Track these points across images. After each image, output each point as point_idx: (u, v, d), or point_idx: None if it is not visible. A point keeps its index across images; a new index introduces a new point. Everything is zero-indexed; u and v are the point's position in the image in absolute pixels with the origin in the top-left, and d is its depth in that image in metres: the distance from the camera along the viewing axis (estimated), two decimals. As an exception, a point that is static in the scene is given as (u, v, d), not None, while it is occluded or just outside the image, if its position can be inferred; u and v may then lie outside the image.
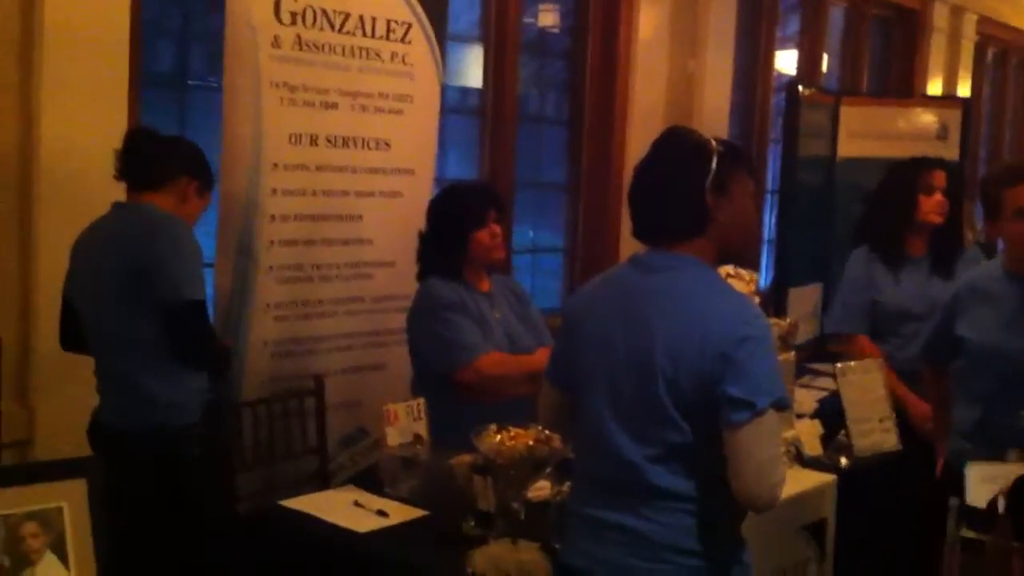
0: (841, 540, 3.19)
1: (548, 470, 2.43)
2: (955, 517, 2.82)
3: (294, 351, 3.62)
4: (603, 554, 2.13)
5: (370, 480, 3.05)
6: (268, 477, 3.43)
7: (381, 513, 2.74)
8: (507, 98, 4.71)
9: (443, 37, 3.98)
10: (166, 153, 3.08)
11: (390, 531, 2.65)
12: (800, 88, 5.19)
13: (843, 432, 3.49)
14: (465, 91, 4.86)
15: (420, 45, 3.86)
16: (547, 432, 2.37)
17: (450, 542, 2.54)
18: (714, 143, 2.17)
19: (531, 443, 2.33)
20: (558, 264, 5.31)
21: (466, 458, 2.84)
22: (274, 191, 3.51)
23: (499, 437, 2.36)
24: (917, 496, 3.33)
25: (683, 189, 2.13)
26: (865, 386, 3.56)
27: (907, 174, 3.95)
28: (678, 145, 2.19)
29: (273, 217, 3.52)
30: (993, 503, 2.39)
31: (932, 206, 3.85)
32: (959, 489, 3.01)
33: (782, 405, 2.06)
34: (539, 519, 2.52)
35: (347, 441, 3.83)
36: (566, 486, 2.63)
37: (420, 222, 3.37)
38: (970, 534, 2.41)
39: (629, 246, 5.21)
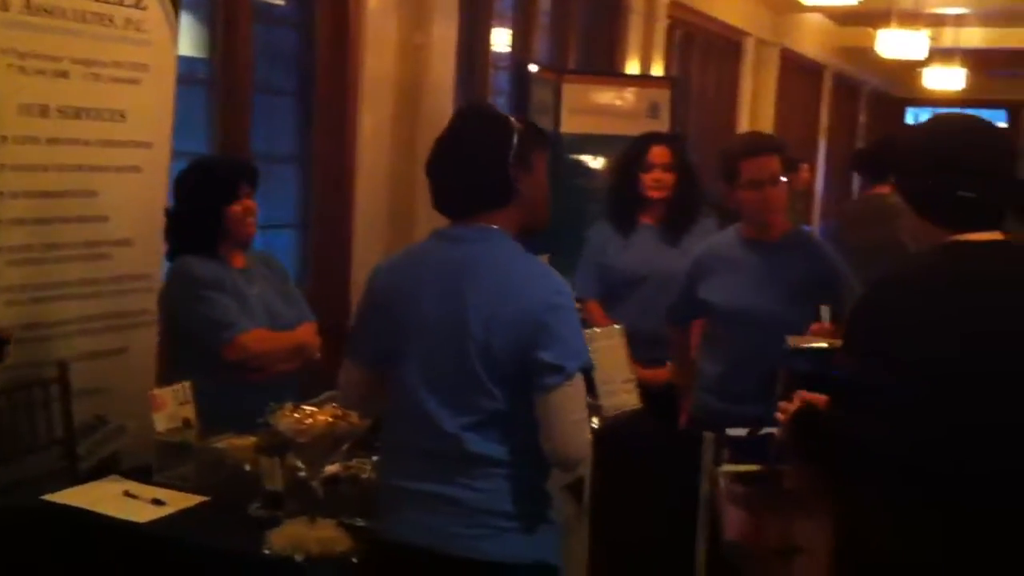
0: (598, 496, 3.38)
1: (346, 446, 2.43)
2: (713, 450, 3.05)
3: (31, 337, 3.38)
4: (421, 524, 2.17)
5: (118, 468, 2.95)
6: (14, 472, 3.20)
7: (157, 502, 2.63)
8: (240, 68, 4.57)
9: (178, 4, 3.82)
10: None
11: (172, 519, 2.56)
12: (528, 66, 5.35)
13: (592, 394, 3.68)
14: (189, 61, 4.67)
15: (155, 12, 3.68)
16: (342, 409, 2.37)
17: (237, 526, 2.49)
18: (514, 120, 2.25)
19: (330, 420, 2.32)
20: (291, 239, 5.23)
21: (240, 440, 2.79)
22: (2, 167, 3.27)
23: (297, 415, 2.34)
24: (663, 449, 3.60)
25: (489, 163, 2.20)
26: (609, 351, 3.76)
27: (629, 151, 4.19)
28: (481, 121, 2.26)
29: (1, 194, 3.28)
30: (754, 433, 2.59)
31: (650, 182, 4.07)
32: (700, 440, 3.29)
33: (588, 368, 2.18)
34: (331, 497, 2.52)
35: (85, 431, 3.63)
36: (355, 462, 2.65)
37: (158, 198, 3.24)
38: (734, 467, 2.60)
39: (364, 219, 5.25)
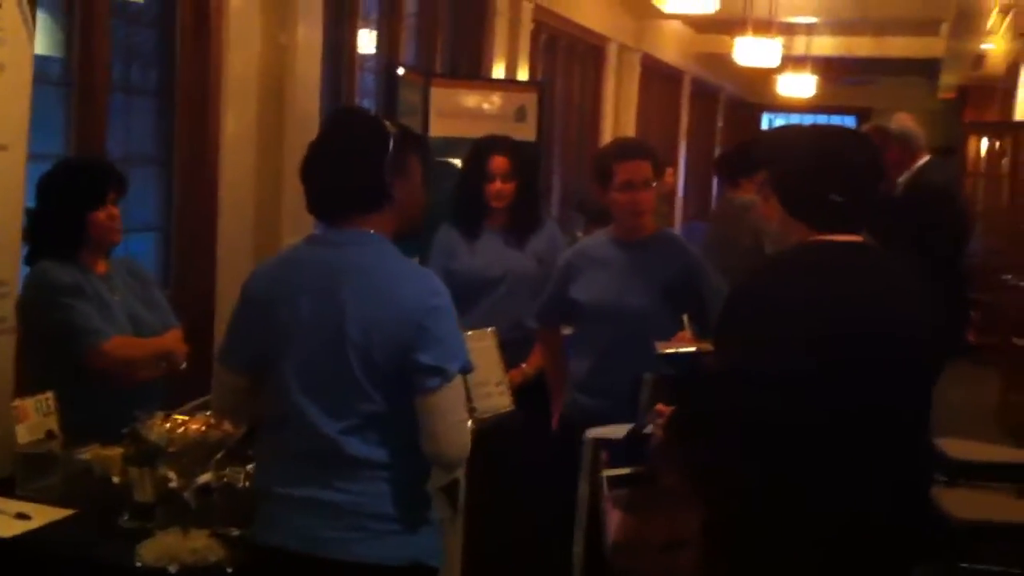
0: (472, 498, 3.40)
1: (220, 455, 2.39)
2: (591, 452, 3.10)
3: None
4: (295, 529, 2.15)
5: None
6: None
7: (22, 516, 2.53)
8: (97, 68, 4.43)
9: (35, 2, 3.69)
10: None
11: (38, 533, 2.47)
12: (397, 69, 5.33)
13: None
14: (45, 60, 4.50)
15: (11, 10, 3.53)
16: (215, 417, 2.33)
17: (107, 538, 2.43)
18: (390, 125, 2.25)
19: (203, 428, 2.28)
20: (151, 244, 5.09)
21: (108, 450, 2.72)
22: None
23: (168, 424, 2.28)
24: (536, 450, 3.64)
25: (365, 168, 2.20)
26: (481, 353, 3.78)
27: (471, 159, 4.20)
28: (357, 125, 2.26)
29: None
30: (633, 434, 2.64)
31: (492, 192, 4.09)
32: (573, 440, 3.33)
33: (467, 369, 2.20)
34: (204, 506, 2.47)
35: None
36: (228, 470, 2.60)
37: (15, 200, 3.12)
38: (614, 471, 2.65)
39: (229, 222, 5.15)
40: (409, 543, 2.19)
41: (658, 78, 12.44)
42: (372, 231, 2.22)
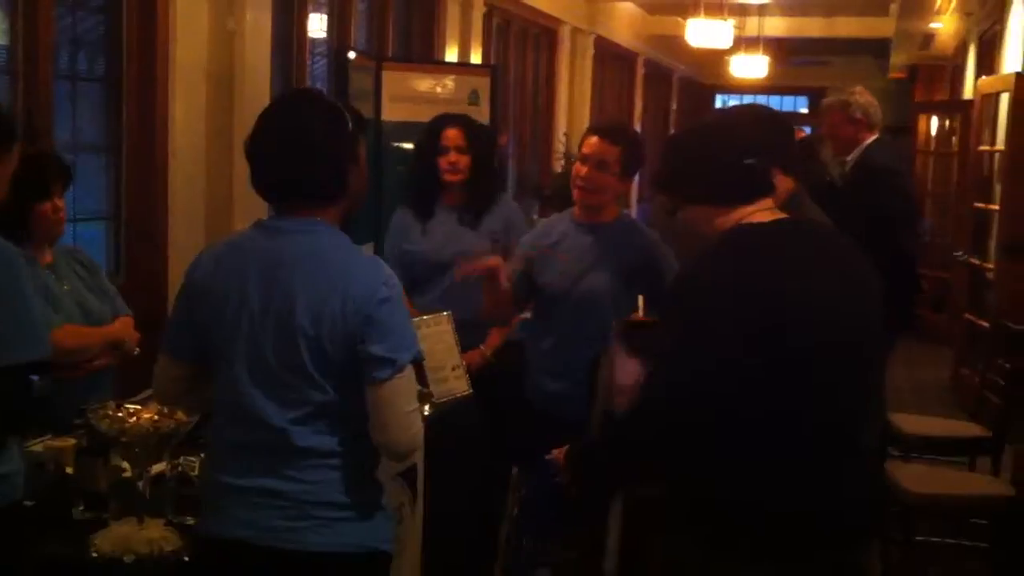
0: (428, 481, 3.39)
1: (173, 444, 2.36)
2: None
3: None
4: (249, 520, 2.12)
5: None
6: None
7: (-28, 510, 2.49)
8: (41, 55, 4.36)
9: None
10: None
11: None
12: (347, 53, 5.29)
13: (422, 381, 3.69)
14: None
15: (-50, -5, 3.48)
16: (166, 407, 2.31)
17: (61, 530, 2.39)
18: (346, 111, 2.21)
19: (155, 418, 2.26)
20: (101, 232, 5.03)
21: (60, 441, 2.69)
22: None
23: (119, 414, 2.26)
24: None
25: (328, 157, 2.15)
26: (437, 338, 3.77)
27: (425, 135, 4.17)
28: (319, 112, 2.19)
29: None
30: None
31: (445, 165, 4.03)
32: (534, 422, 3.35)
33: (419, 359, 2.18)
34: (157, 496, 2.44)
35: None
36: (181, 459, 2.58)
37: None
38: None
39: (179, 209, 5.09)
40: (361, 530, 2.17)
41: (612, 60, 12.47)
42: (321, 219, 2.19)
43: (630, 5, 12.08)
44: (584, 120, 10.56)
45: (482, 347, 3.95)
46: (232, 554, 2.13)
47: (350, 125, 2.18)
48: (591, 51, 11.19)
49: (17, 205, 3.02)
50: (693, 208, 2.23)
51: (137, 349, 3.24)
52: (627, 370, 2.56)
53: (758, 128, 2.33)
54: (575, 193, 3.46)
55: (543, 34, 10.23)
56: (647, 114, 13.95)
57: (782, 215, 2.21)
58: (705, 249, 2.18)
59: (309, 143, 2.15)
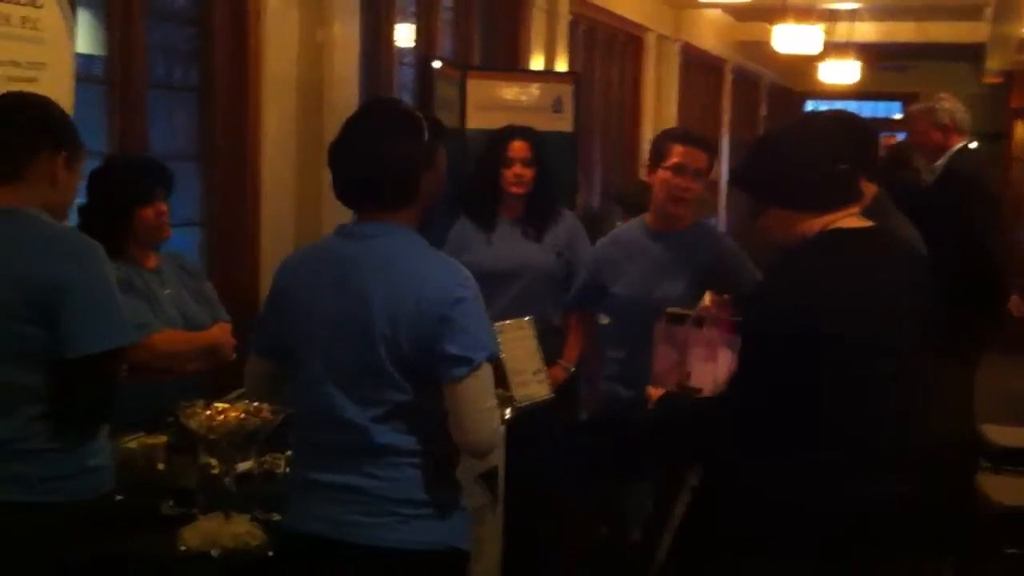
0: (510, 485, 3.43)
1: (260, 441, 2.43)
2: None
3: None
4: (330, 515, 2.19)
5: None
6: None
7: (68, 503, 2.59)
8: (135, 66, 4.50)
9: (75, 2, 3.77)
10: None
11: (84, 521, 2.51)
12: (432, 63, 5.36)
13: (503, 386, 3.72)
14: (88, 59, 4.59)
15: (52, 10, 3.62)
16: (255, 404, 2.38)
17: (150, 525, 2.48)
18: (422, 117, 2.27)
19: (242, 416, 2.33)
20: (194, 239, 5.16)
21: (152, 439, 2.78)
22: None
23: (208, 412, 2.33)
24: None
25: (399, 163, 2.21)
26: (519, 342, 3.80)
27: (490, 146, 4.20)
28: (394, 119, 2.26)
29: None
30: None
31: (510, 177, 4.08)
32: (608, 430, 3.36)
33: (495, 358, 2.22)
34: (244, 493, 2.52)
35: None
36: (268, 457, 2.65)
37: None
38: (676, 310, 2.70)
39: (271, 217, 5.21)
40: (438, 528, 2.22)
41: (699, 67, 12.38)
42: (396, 223, 2.24)
43: (717, 12, 12.00)
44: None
45: (562, 361, 3.96)
46: (310, 548, 2.20)
47: (425, 132, 2.23)
48: (677, 58, 11.13)
49: (121, 210, 3.15)
50: (777, 212, 2.23)
51: (233, 355, 3.32)
52: (666, 359, 2.59)
53: (848, 134, 2.34)
54: (668, 204, 3.44)
55: (629, 42, 10.21)
56: (735, 121, 13.82)
57: (867, 222, 2.21)
58: (793, 253, 2.20)
59: (380, 150, 2.22)
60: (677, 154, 3.38)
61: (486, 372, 2.19)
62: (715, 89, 13.27)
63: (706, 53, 12.25)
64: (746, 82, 14.74)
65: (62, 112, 2.45)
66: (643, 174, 3.63)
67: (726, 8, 11.98)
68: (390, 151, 2.21)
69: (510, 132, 4.13)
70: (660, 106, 10.88)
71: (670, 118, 10.91)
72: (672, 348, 2.58)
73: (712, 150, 3.47)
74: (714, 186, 11.46)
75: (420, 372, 2.16)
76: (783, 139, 2.35)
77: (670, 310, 2.72)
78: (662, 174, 3.40)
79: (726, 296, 2.62)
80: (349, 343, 2.17)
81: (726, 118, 13.39)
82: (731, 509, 2.17)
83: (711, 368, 2.44)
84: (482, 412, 2.17)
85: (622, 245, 3.55)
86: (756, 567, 2.12)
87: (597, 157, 9.58)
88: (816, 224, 2.17)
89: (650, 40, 10.43)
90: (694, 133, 3.73)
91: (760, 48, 12.43)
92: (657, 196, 3.46)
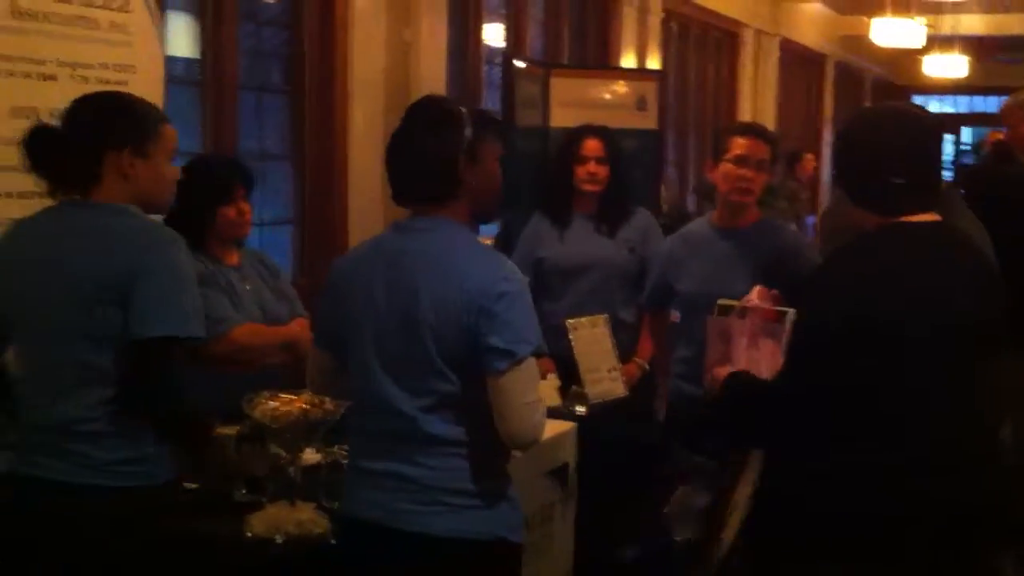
0: (582, 481, 3.44)
1: (322, 432, 2.49)
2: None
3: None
4: (382, 502, 2.25)
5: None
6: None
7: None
8: (227, 68, 4.64)
9: (163, 7, 3.90)
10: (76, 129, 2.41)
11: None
12: (515, 61, 5.41)
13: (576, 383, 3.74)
14: (177, 61, 4.74)
15: (141, 14, 3.74)
16: (319, 396, 2.44)
17: (223, 510, 2.56)
18: (465, 112, 2.30)
19: (305, 406, 2.39)
20: (285, 237, 5.29)
21: (228, 429, 2.85)
22: None
23: (273, 403, 2.40)
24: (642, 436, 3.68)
25: (437, 158, 2.26)
26: (593, 339, 3.81)
27: (565, 144, 4.21)
28: (432, 115, 2.31)
29: (-2, 195, 3.35)
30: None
31: (583, 175, 4.07)
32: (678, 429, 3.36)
33: (540, 352, 2.24)
34: (312, 482, 2.59)
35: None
36: (335, 448, 2.71)
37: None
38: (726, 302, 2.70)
39: (359, 215, 5.30)
40: (487, 518, 2.25)
41: (798, 63, 12.21)
42: (445, 217, 2.29)
43: (818, 5, 11.81)
44: (769, 126, 10.38)
45: (636, 359, 3.96)
46: (364, 534, 2.26)
47: (465, 126, 2.26)
48: (776, 54, 11.00)
49: (204, 208, 3.25)
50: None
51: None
52: (715, 352, 2.58)
53: (910, 137, 2.25)
54: (732, 195, 3.43)
55: (724, 38, 10.13)
56: (838, 117, 13.58)
57: (933, 216, 2.18)
58: (851, 244, 2.20)
59: (419, 146, 2.27)
60: (739, 146, 3.37)
61: (530, 366, 2.21)
62: (816, 84, 13.07)
63: (806, 48, 12.07)
64: (849, 77, 14.47)
65: (125, 104, 2.50)
66: (706, 170, 3.59)
67: (827, 2, 11.78)
68: (428, 146, 2.26)
69: (584, 130, 4.16)
70: (757, 102, 10.76)
71: (768, 114, 10.78)
72: (719, 340, 2.58)
73: (773, 142, 3.44)
74: (814, 182, 11.27)
75: (466, 364, 2.20)
76: (860, 144, 2.29)
77: (721, 302, 2.71)
78: (724, 167, 3.39)
79: (774, 291, 2.59)
80: (399, 335, 2.22)
81: (827, 114, 13.17)
82: (793, 508, 2.16)
83: (754, 356, 2.43)
84: (524, 405, 2.20)
85: (688, 242, 3.55)
86: (824, 569, 2.10)
87: (691, 155, 9.52)
88: (889, 219, 2.16)
89: (747, 36, 10.33)
90: (755, 125, 3.71)
91: (863, 42, 12.19)
92: (721, 190, 3.45)
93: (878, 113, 2.44)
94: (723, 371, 2.39)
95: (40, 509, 2.30)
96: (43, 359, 2.38)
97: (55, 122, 2.49)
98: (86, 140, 2.37)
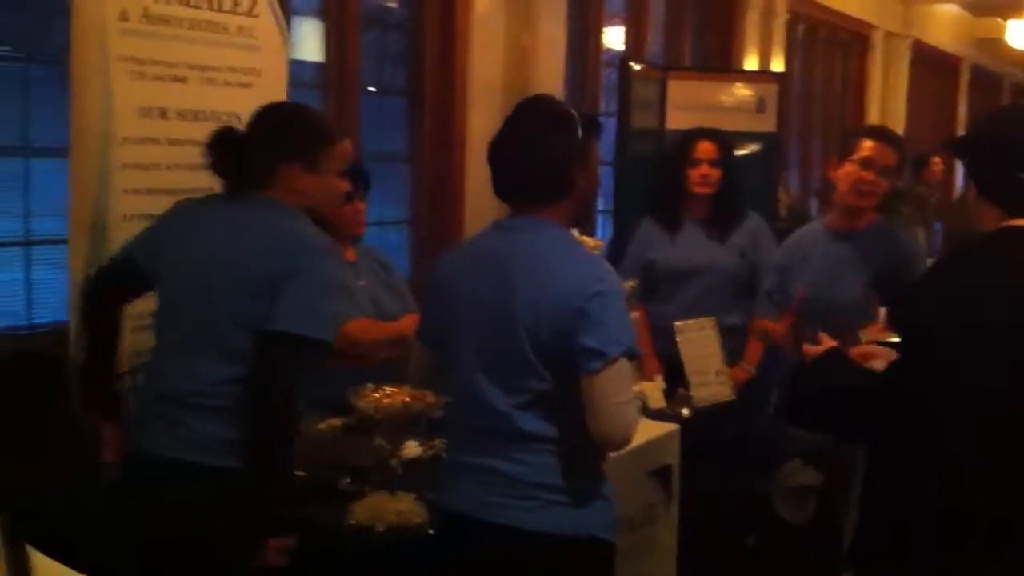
0: (685, 483, 3.44)
1: (424, 424, 2.56)
2: None
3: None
4: (478, 496, 2.29)
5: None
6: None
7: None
8: (349, 71, 4.77)
9: (289, 11, 4.03)
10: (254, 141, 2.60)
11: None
12: (631, 64, 5.42)
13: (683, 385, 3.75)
14: (302, 65, 4.89)
15: (267, 19, 3.88)
16: (421, 389, 2.51)
17: (329, 498, 2.65)
18: (576, 113, 2.33)
19: (407, 399, 2.46)
20: (403, 237, 5.40)
21: (337, 420, 2.95)
22: (124, 166, 3.50)
23: (377, 395, 2.48)
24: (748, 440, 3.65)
25: (554, 159, 2.28)
26: (700, 342, 3.81)
27: (677, 146, 4.20)
28: (547, 116, 2.34)
29: (125, 191, 3.51)
30: None
31: (696, 177, 4.08)
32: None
33: (632, 354, 2.25)
34: (412, 473, 2.66)
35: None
36: (437, 442, 2.78)
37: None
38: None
39: (474, 216, 5.38)
40: (580, 516, 2.27)
41: (931, 65, 11.88)
42: (546, 217, 2.32)
43: (952, 7, 11.47)
44: (898, 129, 10.15)
45: (743, 363, 3.95)
46: (458, 526, 2.31)
47: (578, 129, 2.29)
48: (907, 56, 10.72)
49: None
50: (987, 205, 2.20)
51: None
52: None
53: None
54: (850, 196, 3.40)
55: (853, 40, 9.93)
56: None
57: None
58: (962, 247, 2.18)
59: (533, 148, 2.30)
60: (867, 148, 3.34)
61: (622, 367, 2.22)
62: (950, 89, 12.70)
63: (939, 50, 11.73)
64: (986, 80, 14.01)
65: (306, 120, 2.66)
66: (829, 169, 3.56)
67: (963, 3, 11.44)
68: (543, 148, 2.28)
69: (697, 133, 4.16)
70: (887, 105, 10.51)
71: (897, 118, 10.53)
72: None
73: (902, 150, 3.39)
74: (944, 186, 10.95)
75: (560, 363, 2.23)
76: (982, 128, 2.30)
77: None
78: (848, 167, 3.35)
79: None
80: (496, 332, 2.27)
81: (962, 118, 12.78)
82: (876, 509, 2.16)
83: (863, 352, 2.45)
84: (616, 406, 2.22)
85: (800, 247, 3.52)
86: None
87: (816, 158, 9.36)
88: (996, 219, 2.13)
89: (877, 37, 10.10)
90: (886, 130, 3.65)
91: (999, 45, 11.82)
92: (840, 190, 3.41)
93: (1015, 106, 2.40)
94: (817, 349, 2.39)
95: (151, 486, 2.42)
96: (184, 327, 2.51)
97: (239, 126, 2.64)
98: (261, 149, 2.50)
